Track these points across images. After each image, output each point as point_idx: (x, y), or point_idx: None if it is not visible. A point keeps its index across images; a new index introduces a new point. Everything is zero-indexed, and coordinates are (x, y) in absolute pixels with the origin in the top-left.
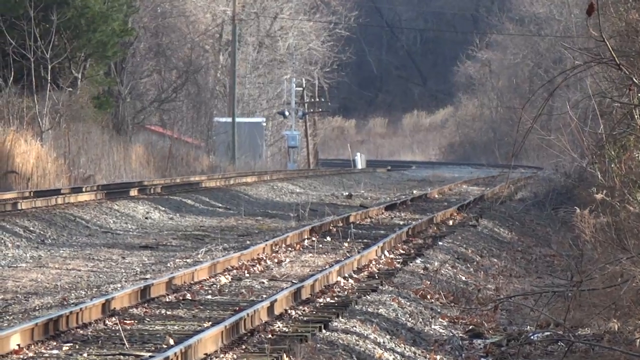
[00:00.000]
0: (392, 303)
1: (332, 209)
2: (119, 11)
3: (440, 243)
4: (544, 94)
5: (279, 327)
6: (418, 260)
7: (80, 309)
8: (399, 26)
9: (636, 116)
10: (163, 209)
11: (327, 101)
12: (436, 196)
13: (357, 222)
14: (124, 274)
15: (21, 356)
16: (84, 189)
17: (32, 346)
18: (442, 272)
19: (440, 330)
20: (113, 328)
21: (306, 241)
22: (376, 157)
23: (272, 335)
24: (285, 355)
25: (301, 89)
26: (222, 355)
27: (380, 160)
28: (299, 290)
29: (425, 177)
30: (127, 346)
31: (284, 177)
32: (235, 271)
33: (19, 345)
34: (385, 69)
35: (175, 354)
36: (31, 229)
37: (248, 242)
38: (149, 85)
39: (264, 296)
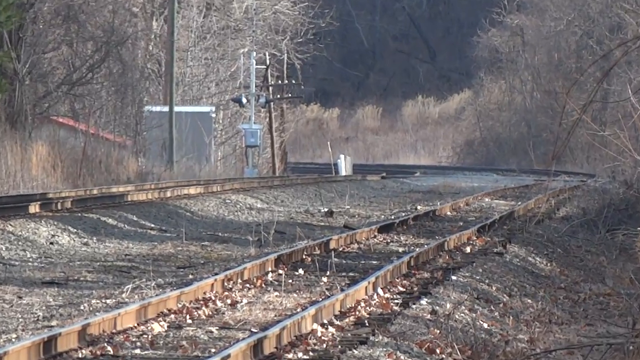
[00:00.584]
0: None
1: (307, 231)
2: None
3: (453, 277)
4: (597, 73)
5: None
6: (423, 301)
7: None
8: None
9: None
10: (74, 230)
11: (300, 84)
12: (448, 213)
13: (341, 249)
14: (20, 320)
15: None
16: None
17: None
18: (457, 317)
19: None
20: None
21: (270, 275)
22: (366, 160)
23: None
24: None
25: (264, 67)
26: None
27: (372, 164)
28: (260, 343)
29: (433, 188)
30: None
31: (241, 188)
32: (173, 316)
33: None
34: (380, 39)
35: None
36: None
37: (191, 277)
38: (56, 62)
39: (213, 351)
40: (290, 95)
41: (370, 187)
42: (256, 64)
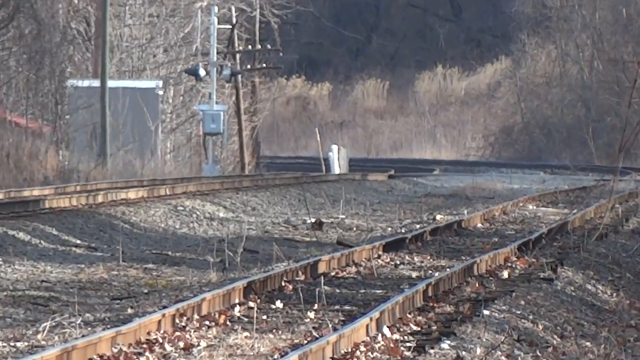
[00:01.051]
0: None
1: (287, 250)
2: None
3: (485, 312)
4: None
5: None
6: (445, 345)
7: None
8: None
9: None
10: None
11: (278, 49)
12: (479, 225)
13: (333, 274)
14: None
15: None
16: None
17: None
18: None
19: None
20: None
21: (238, 309)
22: (367, 153)
23: None
24: None
25: (229, 27)
26: None
27: (376, 158)
28: None
29: (457, 190)
30: None
31: (197, 191)
32: None
33: None
34: None
35: None
36: None
37: (130, 311)
38: None
39: None
40: (264, 65)
41: (372, 190)
42: (219, 23)
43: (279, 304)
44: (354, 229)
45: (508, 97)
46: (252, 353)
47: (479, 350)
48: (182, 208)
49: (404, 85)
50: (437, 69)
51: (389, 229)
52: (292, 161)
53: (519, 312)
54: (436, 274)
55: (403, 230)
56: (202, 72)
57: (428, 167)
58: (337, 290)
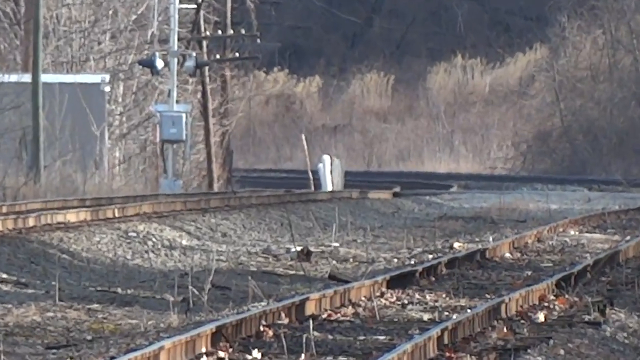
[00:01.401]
0: None
1: (267, 286)
2: None
3: None
4: None
5: None
6: None
7: None
8: None
9: None
10: None
11: (255, 35)
12: (507, 255)
13: (325, 317)
14: None
15: None
16: None
17: None
18: None
19: None
20: None
21: None
22: (368, 166)
23: None
24: None
25: (194, 6)
26: None
27: (378, 172)
28: None
29: (481, 212)
30: None
31: (154, 213)
32: None
33: None
34: None
35: None
36: None
37: None
38: None
39: None
40: (238, 55)
41: (374, 211)
42: (181, 2)
43: (256, 354)
44: (351, 259)
45: (544, 95)
46: None
47: None
48: (134, 234)
49: (413, 80)
50: (454, 59)
51: (395, 260)
52: (272, 175)
53: None
54: (454, 317)
55: (412, 262)
56: (159, 64)
57: (443, 183)
58: (330, 337)
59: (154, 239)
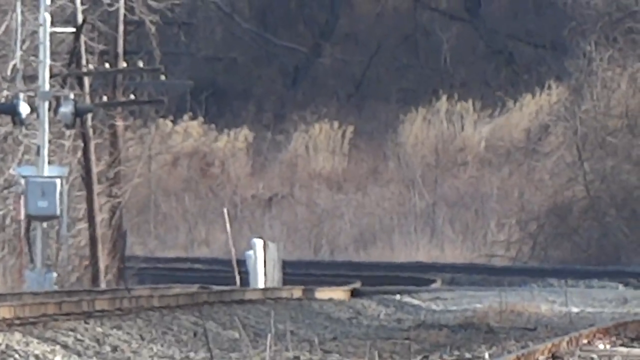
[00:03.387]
0: None
1: None
2: None
3: None
4: None
5: None
6: None
7: None
8: None
9: None
10: None
11: (159, 70)
12: None
13: None
14: None
15: None
16: None
17: None
18: None
19: None
20: None
21: None
22: (314, 252)
23: None
24: None
25: (72, 30)
26: None
27: (330, 261)
28: None
29: (473, 317)
30: None
31: (16, 318)
32: None
33: None
34: None
35: None
36: None
37: None
38: None
39: None
40: (134, 97)
41: (324, 317)
42: (53, 24)
43: None
44: None
45: (562, 154)
46: None
47: None
48: None
49: (379, 132)
50: (437, 103)
51: None
52: (182, 266)
53: None
54: None
55: None
56: (23, 110)
57: (422, 277)
58: None
59: (16, 356)
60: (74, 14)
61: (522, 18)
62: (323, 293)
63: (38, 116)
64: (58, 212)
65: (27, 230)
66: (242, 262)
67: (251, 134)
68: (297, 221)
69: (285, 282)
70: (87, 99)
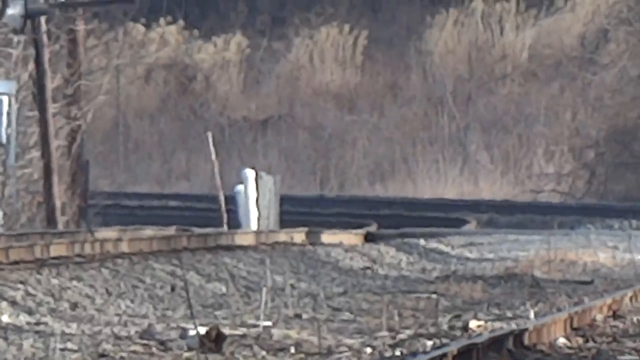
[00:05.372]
0: None
1: None
2: None
3: None
4: None
5: None
6: None
7: None
8: None
9: None
10: None
11: None
12: (561, 342)
13: None
14: None
15: None
16: None
17: None
18: None
19: None
20: None
21: None
22: (320, 186)
23: None
24: None
25: None
26: None
27: (338, 197)
28: None
29: (514, 266)
30: None
31: None
32: None
33: None
34: None
35: None
36: None
37: None
38: None
39: None
40: None
41: (331, 267)
42: None
43: None
44: (292, 349)
45: (625, 65)
46: None
47: None
48: None
49: (399, 39)
50: (472, 3)
51: (367, 349)
52: (157, 204)
53: None
54: None
55: (397, 354)
56: None
57: (452, 217)
58: None
59: None
60: None
61: None
62: (330, 237)
63: None
64: (4, 139)
65: None
66: (230, 199)
67: (245, 41)
68: (299, 148)
69: (283, 223)
70: None
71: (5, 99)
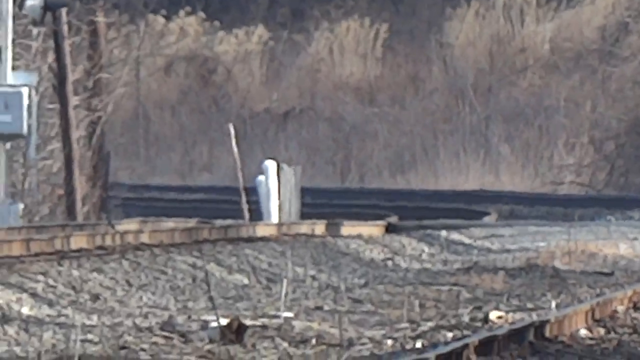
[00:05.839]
0: None
1: None
2: None
3: None
4: None
5: None
6: None
7: None
8: None
9: None
10: None
11: None
12: (583, 333)
13: None
14: None
15: None
16: None
17: None
18: None
19: None
20: None
21: None
22: (342, 179)
23: None
24: None
25: None
26: None
27: (359, 189)
28: None
29: (535, 258)
30: None
31: None
32: None
33: None
34: None
35: None
36: None
37: None
38: None
39: None
40: None
41: (351, 258)
42: None
43: None
44: (313, 341)
45: None
46: None
47: None
48: None
49: (420, 31)
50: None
51: (388, 341)
52: (178, 196)
53: None
54: None
55: (418, 345)
56: None
57: (473, 209)
58: None
59: None
60: None
61: None
62: (351, 228)
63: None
64: (25, 130)
65: None
66: (251, 191)
67: (266, 34)
68: (319, 140)
69: (304, 214)
70: None
71: (25, 90)
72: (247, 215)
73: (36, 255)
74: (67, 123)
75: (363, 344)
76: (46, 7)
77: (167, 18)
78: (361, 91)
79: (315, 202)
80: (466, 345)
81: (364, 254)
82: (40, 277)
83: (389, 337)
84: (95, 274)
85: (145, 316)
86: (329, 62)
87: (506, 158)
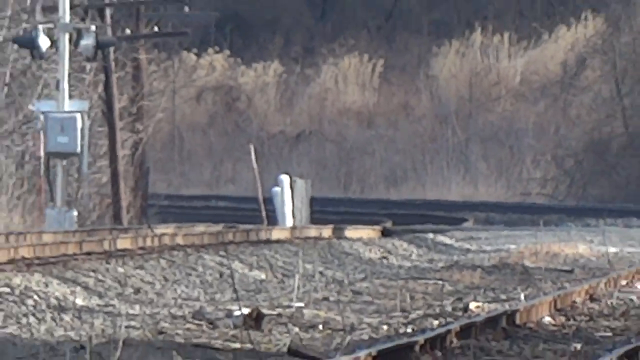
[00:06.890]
0: None
1: None
2: None
3: None
4: None
5: None
6: None
7: None
8: None
9: None
10: None
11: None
12: (547, 320)
13: None
14: None
15: None
16: None
17: None
18: None
19: None
20: None
21: None
22: (344, 190)
23: None
24: None
25: None
26: None
27: (360, 199)
28: None
29: (507, 257)
30: None
31: (36, 259)
32: None
33: None
34: None
35: None
36: None
37: None
38: None
39: None
40: (157, 30)
41: (353, 257)
42: None
43: None
44: (320, 327)
45: (600, 88)
46: None
47: None
48: (6, 289)
49: (410, 66)
50: (471, 36)
51: (384, 327)
52: (207, 204)
53: None
54: None
55: (409, 330)
56: (43, 43)
57: (454, 216)
58: None
59: (35, 297)
60: None
61: None
62: (353, 232)
63: (57, 49)
64: (79, 149)
65: (47, 167)
66: (269, 200)
67: (280, 68)
68: (326, 158)
69: (313, 220)
70: (109, 31)
71: (79, 116)
72: (265, 220)
73: (88, 254)
74: (113, 143)
75: (363, 329)
76: (97, 46)
77: (198, 55)
78: (361, 116)
79: (323, 210)
80: (449, 331)
81: (364, 253)
82: (91, 273)
83: (385, 324)
84: (137, 271)
85: (180, 306)
86: (334, 91)
87: (483, 173)
